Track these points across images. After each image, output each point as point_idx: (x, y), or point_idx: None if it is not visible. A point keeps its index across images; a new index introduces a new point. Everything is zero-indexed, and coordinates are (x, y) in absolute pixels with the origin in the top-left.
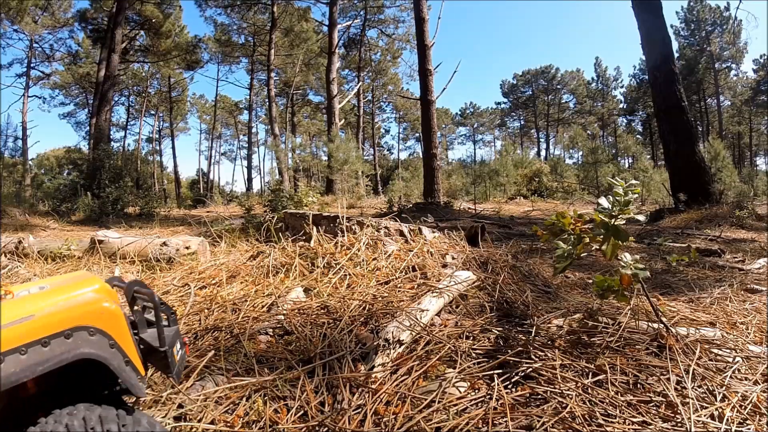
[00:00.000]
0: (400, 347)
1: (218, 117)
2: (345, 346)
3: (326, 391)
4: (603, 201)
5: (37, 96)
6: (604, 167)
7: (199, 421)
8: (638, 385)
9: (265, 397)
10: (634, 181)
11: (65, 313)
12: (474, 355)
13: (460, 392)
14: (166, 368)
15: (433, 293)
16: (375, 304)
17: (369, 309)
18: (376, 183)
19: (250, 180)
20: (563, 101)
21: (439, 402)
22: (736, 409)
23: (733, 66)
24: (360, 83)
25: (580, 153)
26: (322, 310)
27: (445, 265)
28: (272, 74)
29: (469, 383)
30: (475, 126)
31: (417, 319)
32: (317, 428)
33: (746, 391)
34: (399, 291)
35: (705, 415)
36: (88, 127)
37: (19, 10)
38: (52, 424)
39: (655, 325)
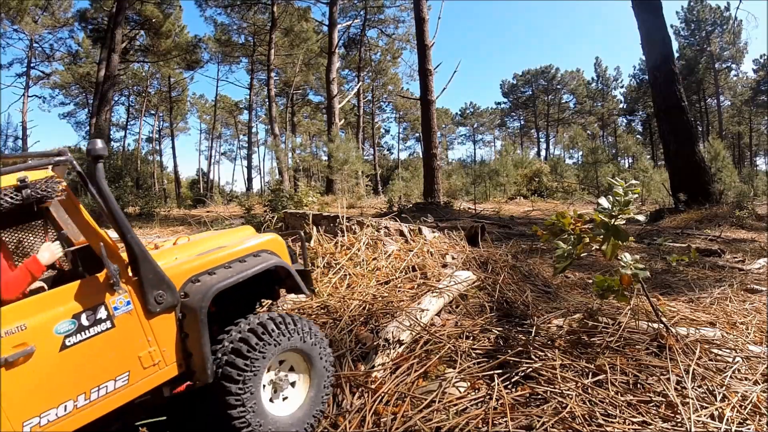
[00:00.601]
0: (400, 347)
1: (218, 117)
2: (345, 346)
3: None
4: (603, 201)
5: (37, 96)
6: (604, 167)
7: None
8: (638, 385)
9: None
10: (634, 181)
11: (252, 242)
12: (474, 355)
13: (459, 392)
14: (310, 284)
15: (432, 293)
16: (375, 304)
17: (369, 309)
18: (376, 183)
19: (250, 180)
20: (563, 101)
21: (438, 402)
22: (736, 409)
23: (733, 66)
24: (360, 83)
25: (580, 153)
26: (322, 310)
27: (445, 265)
28: (272, 74)
29: (469, 383)
30: (475, 126)
31: (417, 319)
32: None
33: (746, 391)
34: (399, 291)
35: (705, 415)
36: (88, 127)
37: (19, 9)
38: (253, 323)
39: (655, 325)
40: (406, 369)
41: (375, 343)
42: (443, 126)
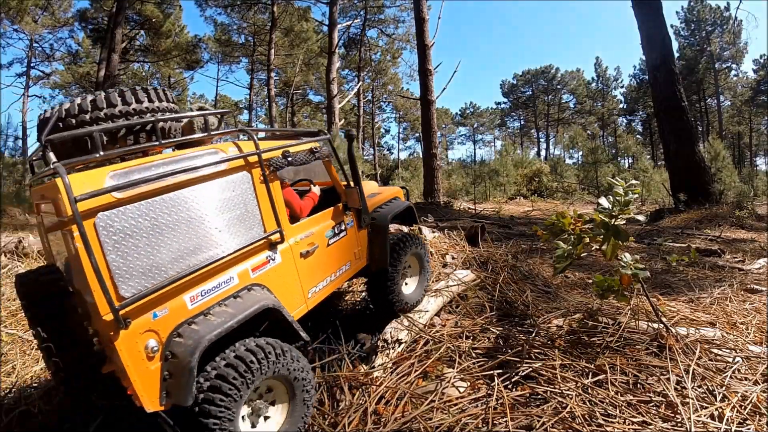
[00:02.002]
0: (399, 346)
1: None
2: (344, 346)
3: (326, 390)
4: (603, 201)
5: (37, 95)
6: (604, 167)
7: None
8: (638, 385)
9: None
10: (634, 181)
11: (391, 191)
12: (474, 354)
13: (459, 392)
14: (416, 220)
15: (431, 293)
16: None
17: (368, 309)
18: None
19: None
20: (563, 101)
21: (438, 401)
22: (736, 409)
23: (733, 66)
24: (360, 83)
25: (580, 153)
26: (322, 309)
27: (445, 265)
28: (272, 74)
29: (469, 383)
30: (475, 126)
31: (415, 319)
32: (317, 427)
33: (746, 391)
34: None
35: (705, 415)
36: None
37: (19, 9)
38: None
39: (655, 325)
40: (406, 369)
41: (374, 343)
42: (443, 126)
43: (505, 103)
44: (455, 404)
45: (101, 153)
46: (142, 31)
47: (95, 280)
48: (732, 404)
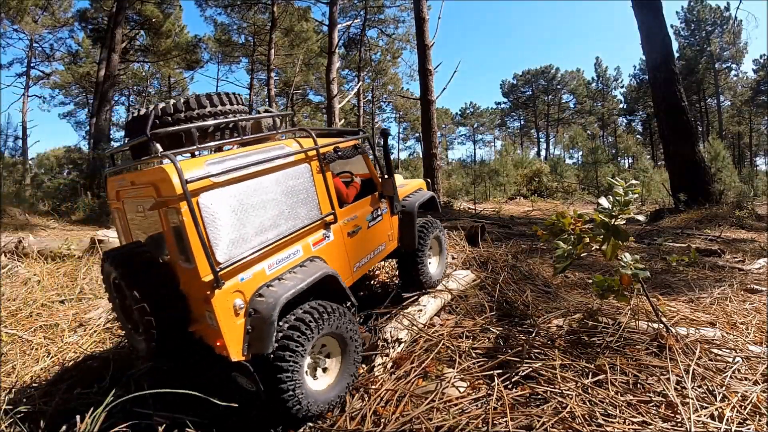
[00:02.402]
0: (399, 346)
1: None
2: None
3: None
4: (603, 201)
5: (37, 95)
6: (604, 167)
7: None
8: (638, 385)
9: None
10: (634, 181)
11: (415, 183)
12: (474, 354)
13: (459, 392)
14: (438, 208)
15: (430, 293)
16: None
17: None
18: None
19: None
20: (563, 101)
21: (439, 401)
22: (736, 409)
23: (733, 66)
24: (360, 83)
25: (580, 153)
26: None
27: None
28: (272, 74)
29: (469, 383)
30: (475, 126)
31: (415, 318)
32: (317, 427)
33: (746, 391)
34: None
35: (705, 415)
36: (88, 127)
37: (19, 9)
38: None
39: (655, 325)
40: (406, 369)
41: (373, 343)
42: (443, 126)
43: (505, 103)
44: (455, 404)
45: (197, 145)
46: (142, 31)
47: (199, 247)
48: (732, 404)
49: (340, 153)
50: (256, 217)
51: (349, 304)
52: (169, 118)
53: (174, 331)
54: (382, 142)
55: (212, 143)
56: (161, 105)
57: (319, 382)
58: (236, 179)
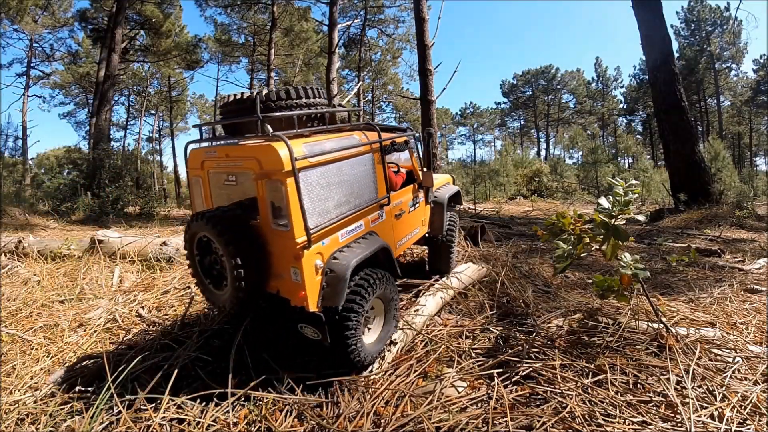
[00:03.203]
0: (394, 347)
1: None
2: None
3: (324, 395)
4: (603, 201)
5: (37, 95)
6: (604, 167)
7: (198, 424)
8: (638, 385)
9: (265, 398)
10: (634, 181)
11: (443, 177)
12: (474, 354)
13: (459, 392)
14: (460, 201)
15: (428, 293)
16: None
17: None
18: None
19: None
20: (563, 101)
21: (438, 401)
22: (736, 409)
23: (733, 66)
24: (360, 83)
25: (580, 153)
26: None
27: None
28: (272, 74)
29: (468, 383)
30: (475, 126)
31: (415, 318)
32: (316, 429)
33: (746, 391)
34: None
35: (705, 415)
36: (88, 127)
37: (19, 9)
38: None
39: (655, 325)
40: (406, 369)
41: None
42: (443, 126)
43: (505, 103)
44: (455, 404)
45: (296, 130)
46: (142, 31)
47: (298, 214)
48: (732, 404)
49: (395, 147)
50: (335, 194)
51: (393, 273)
52: (272, 104)
53: (257, 284)
54: (425, 141)
55: (304, 129)
56: (264, 91)
57: (367, 336)
58: (324, 161)
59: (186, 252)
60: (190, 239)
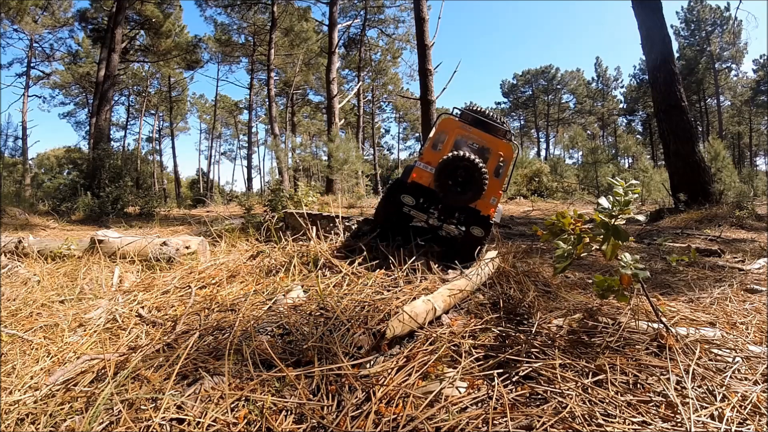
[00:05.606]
0: (398, 346)
1: (218, 117)
2: (345, 345)
3: (325, 394)
4: (603, 201)
5: (37, 95)
6: (604, 167)
7: (198, 424)
8: (638, 385)
9: (264, 398)
10: (634, 181)
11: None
12: (474, 354)
13: (459, 392)
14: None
15: (426, 294)
16: (373, 304)
17: (367, 309)
18: (376, 183)
19: (250, 180)
20: (563, 101)
21: (438, 401)
22: (736, 409)
23: (733, 66)
24: (360, 83)
25: (580, 153)
26: (322, 310)
27: (447, 271)
28: (272, 74)
29: (468, 383)
30: None
31: (414, 318)
32: (316, 429)
33: (746, 391)
34: (399, 291)
35: (705, 415)
36: (88, 127)
37: (19, 9)
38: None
39: (655, 325)
40: (407, 369)
41: (372, 344)
42: None
43: (505, 103)
44: (455, 404)
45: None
46: (142, 31)
47: (507, 174)
48: (732, 404)
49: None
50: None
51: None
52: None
53: (474, 196)
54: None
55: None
56: (482, 107)
57: None
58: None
59: (440, 175)
60: (452, 165)
